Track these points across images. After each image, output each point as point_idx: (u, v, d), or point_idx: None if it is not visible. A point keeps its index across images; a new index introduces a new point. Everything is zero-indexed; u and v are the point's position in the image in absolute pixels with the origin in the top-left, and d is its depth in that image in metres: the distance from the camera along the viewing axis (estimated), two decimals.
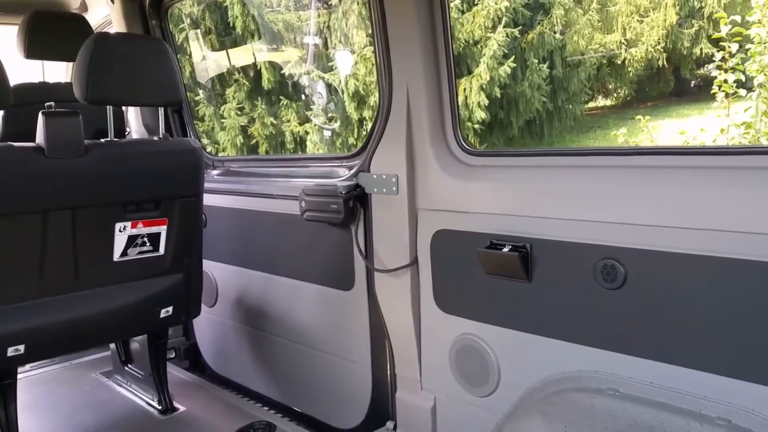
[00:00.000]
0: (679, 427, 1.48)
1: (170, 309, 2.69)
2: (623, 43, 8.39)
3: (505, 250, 1.84)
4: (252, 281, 3.01)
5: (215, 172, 3.31)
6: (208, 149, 10.37)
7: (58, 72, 3.99)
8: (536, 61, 8.42)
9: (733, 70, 4.35)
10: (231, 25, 9.69)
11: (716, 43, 4.52)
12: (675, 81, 8.98)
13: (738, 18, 4.43)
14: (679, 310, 1.54)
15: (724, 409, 1.47)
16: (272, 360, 2.98)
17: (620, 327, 1.65)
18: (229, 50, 10.10)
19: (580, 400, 1.68)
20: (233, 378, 3.23)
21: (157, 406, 2.91)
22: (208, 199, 2.87)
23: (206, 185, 2.75)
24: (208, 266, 3.05)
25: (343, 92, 9.09)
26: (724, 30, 4.35)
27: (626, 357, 1.65)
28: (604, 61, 8.77)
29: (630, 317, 1.63)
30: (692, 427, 1.47)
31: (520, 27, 8.29)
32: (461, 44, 8.16)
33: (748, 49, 4.35)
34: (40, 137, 2.24)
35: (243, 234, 3.04)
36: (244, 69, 10.16)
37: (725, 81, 4.37)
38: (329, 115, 9.68)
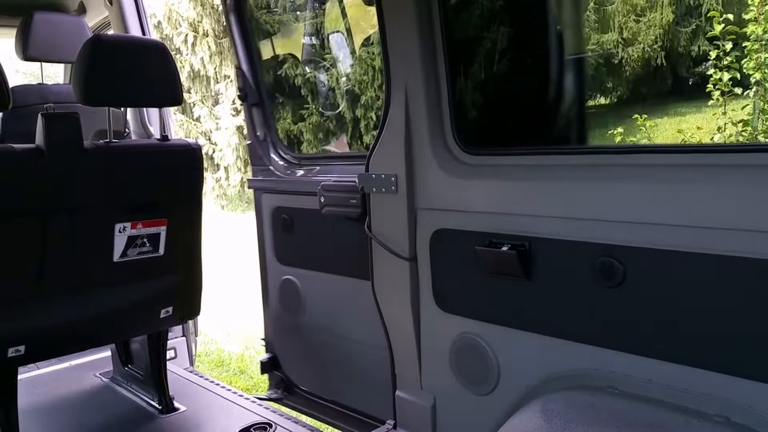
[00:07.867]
0: (678, 425, 1.49)
1: (170, 309, 2.69)
2: (620, 42, 8.38)
3: (504, 248, 1.85)
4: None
5: (300, 172, 3.01)
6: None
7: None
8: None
9: (728, 68, 4.35)
10: None
11: (711, 41, 4.51)
12: (672, 80, 8.98)
13: (731, 16, 4.43)
14: (677, 307, 1.55)
15: (723, 406, 1.47)
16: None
17: (619, 325, 1.66)
18: None
19: (580, 398, 1.69)
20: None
21: (157, 406, 2.91)
22: (297, 201, 2.81)
23: (292, 186, 2.77)
24: (291, 273, 2.93)
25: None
26: (718, 28, 4.35)
27: (625, 355, 1.65)
28: (602, 61, 8.76)
29: (628, 315, 1.63)
30: (691, 424, 1.48)
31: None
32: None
33: (744, 47, 4.34)
34: (39, 139, 2.24)
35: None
36: None
37: (720, 80, 4.38)
38: None
